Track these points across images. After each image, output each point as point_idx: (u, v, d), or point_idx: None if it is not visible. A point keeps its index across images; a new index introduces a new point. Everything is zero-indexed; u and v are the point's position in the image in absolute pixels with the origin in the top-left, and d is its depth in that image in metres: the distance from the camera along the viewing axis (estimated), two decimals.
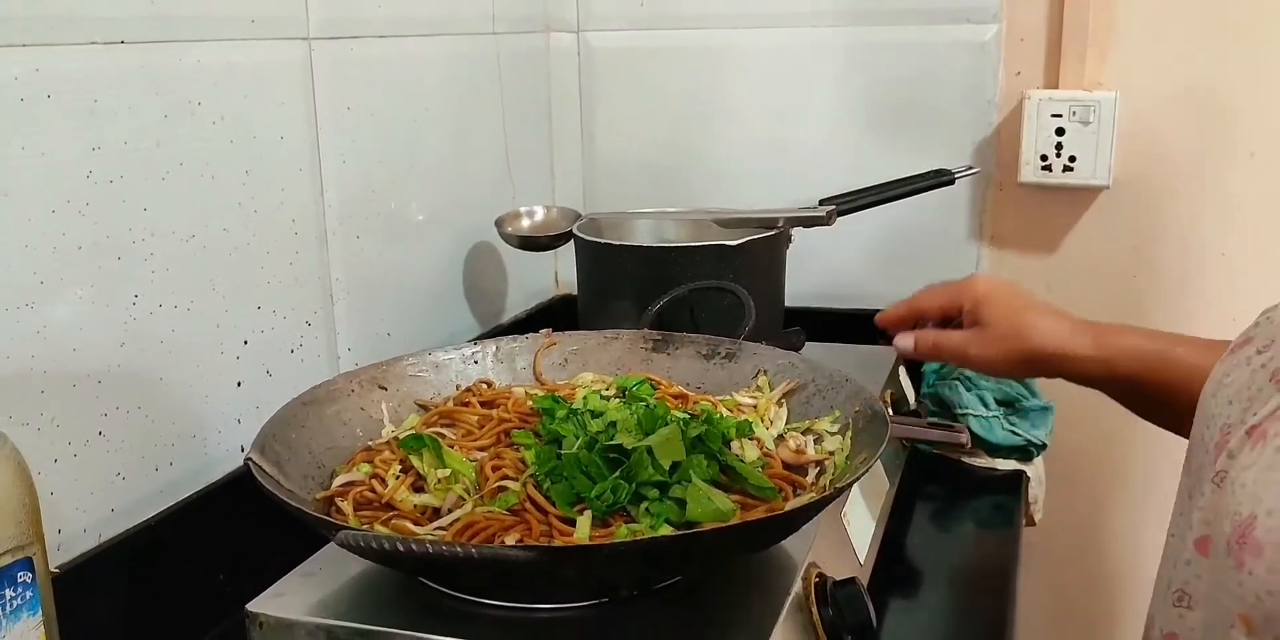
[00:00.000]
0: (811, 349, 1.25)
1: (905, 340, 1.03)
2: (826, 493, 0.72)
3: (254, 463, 0.75)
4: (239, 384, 0.96)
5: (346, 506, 0.77)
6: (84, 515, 0.81)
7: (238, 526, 0.90)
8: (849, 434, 0.85)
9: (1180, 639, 0.54)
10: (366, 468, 0.82)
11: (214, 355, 0.93)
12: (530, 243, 1.28)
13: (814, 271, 1.40)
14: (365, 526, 0.75)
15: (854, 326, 1.39)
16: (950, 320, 1.03)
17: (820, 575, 0.78)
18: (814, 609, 0.75)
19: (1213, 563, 0.50)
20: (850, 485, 0.72)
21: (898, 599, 0.95)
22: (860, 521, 0.93)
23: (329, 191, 1.07)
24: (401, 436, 0.83)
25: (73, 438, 0.80)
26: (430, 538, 0.65)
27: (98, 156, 0.81)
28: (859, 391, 0.87)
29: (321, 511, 0.77)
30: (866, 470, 0.73)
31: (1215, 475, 0.52)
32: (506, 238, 1.28)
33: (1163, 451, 1.42)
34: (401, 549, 0.57)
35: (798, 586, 0.75)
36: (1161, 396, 0.90)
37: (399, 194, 1.20)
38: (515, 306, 1.46)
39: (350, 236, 1.11)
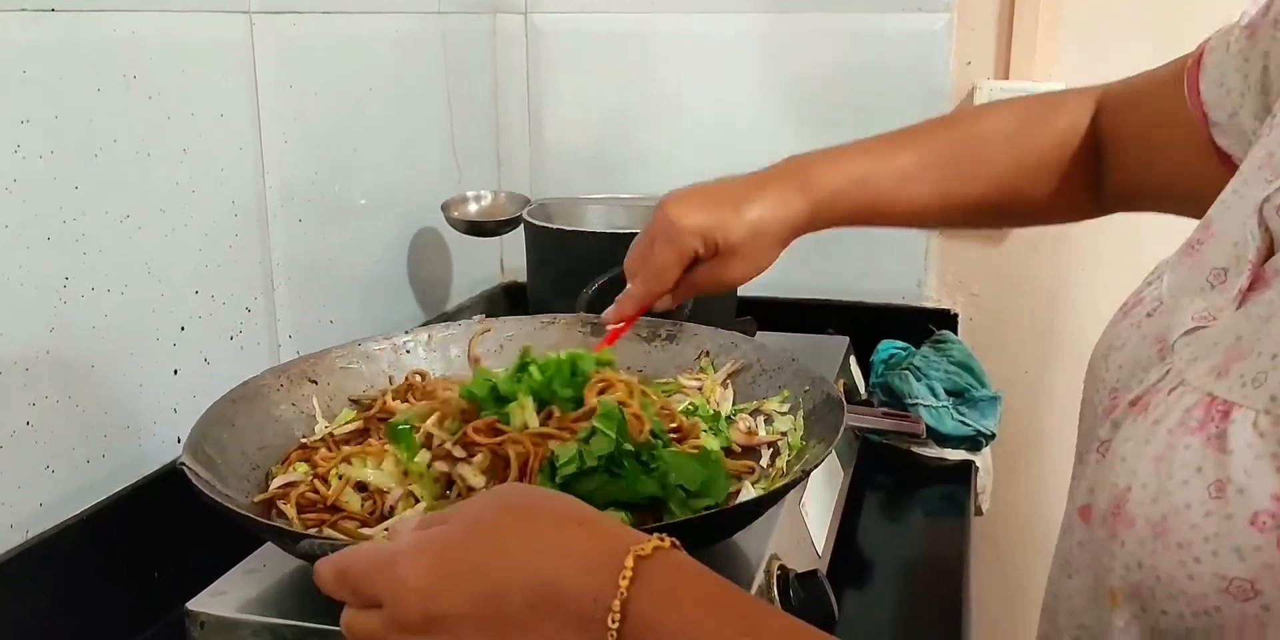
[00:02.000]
0: (763, 338, 1.23)
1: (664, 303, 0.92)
2: (790, 477, 0.70)
3: (188, 468, 0.71)
4: (175, 372, 0.92)
5: (289, 510, 0.74)
6: (10, 510, 0.77)
7: (175, 521, 0.86)
8: (800, 413, 0.84)
9: (1063, 607, 0.54)
10: (304, 467, 0.79)
11: (149, 342, 0.89)
12: (478, 228, 1.25)
13: None
14: (314, 530, 0.71)
15: (804, 316, 1.39)
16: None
17: (782, 567, 0.77)
18: (776, 600, 0.73)
19: (1091, 531, 0.49)
20: (813, 469, 0.70)
21: (854, 589, 0.95)
22: (817, 512, 0.92)
23: (270, 172, 1.03)
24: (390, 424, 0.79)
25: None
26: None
27: (26, 131, 0.76)
28: (805, 371, 0.86)
29: (261, 515, 0.74)
30: (829, 452, 0.72)
31: (1100, 445, 0.51)
32: (453, 222, 1.25)
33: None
34: None
35: (759, 579, 0.74)
36: (879, 220, 0.91)
37: (342, 176, 1.16)
38: (461, 293, 1.43)
39: (292, 219, 1.07)
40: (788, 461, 0.78)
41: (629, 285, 0.90)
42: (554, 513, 0.48)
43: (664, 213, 0.86)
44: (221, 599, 0.72)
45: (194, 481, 0.71)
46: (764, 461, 0.82)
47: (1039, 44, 1.30)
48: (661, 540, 0.46)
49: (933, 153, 0.86)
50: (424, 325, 0.99)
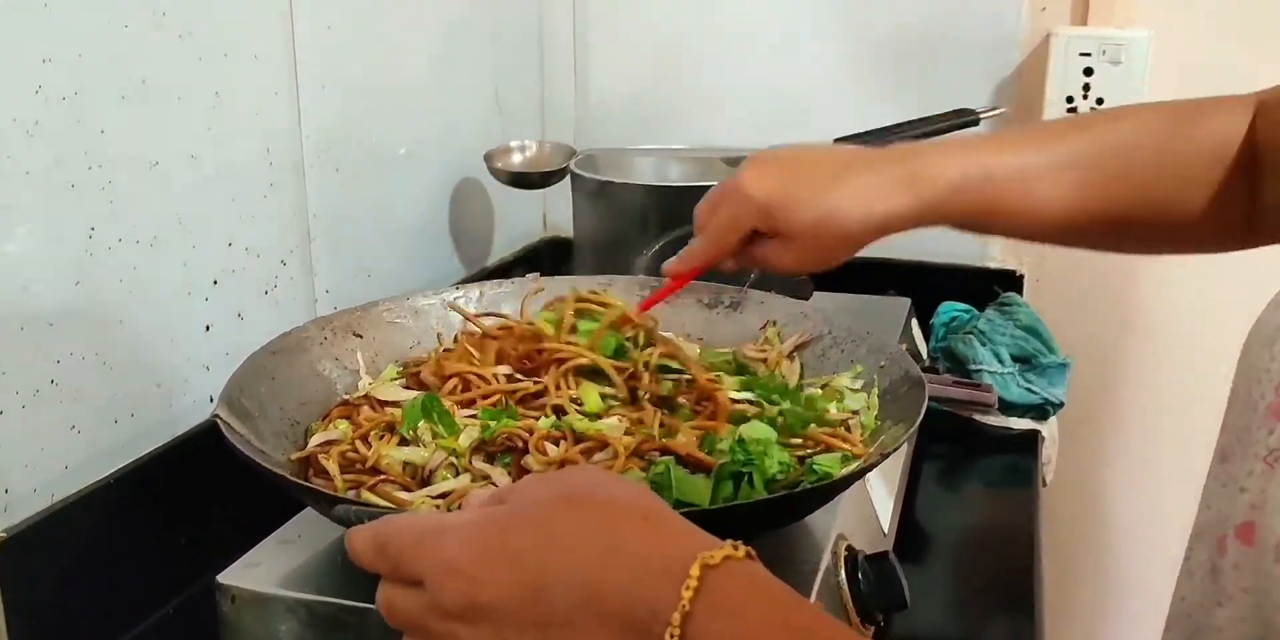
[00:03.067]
0: (820, 299, 1.17)
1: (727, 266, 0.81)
2: (867, 460, 0.65)
3: (222, 421, 0.67)
4: (208, 328, 0.88)
5: (331, 466, 0.69)
6: (34, 473, 0.73)
7: (207, 485, 0.82)
8: (874, 391, 0.78)
9: (1210, 637, 0.47)
10: (345, 425, 0.75)
11: (180, 296, 0.85)
12: (522, 180, 1.19)
13: None
14: (352, 493, 0.67)
15: (864, 276, 1.32)
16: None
17: (850, 548, 0.72)
18: (844, 584, 0.68)
19: (1257, 557, 0.43)
20: (891, 453, 0.65)
21: (917, 565, 0.90)
22: (882, 488, 0.86)
23: (307, 119, 0.97)
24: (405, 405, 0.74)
25: (20, 387, 0.71)
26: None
27: (48, 70, 0.71)
28: (881, 345, 0.80)
29: (298, 474, 0.70)
30: (910, 435, 0.66)
31: (1270, 454, 0.44)
32: (496, 173, 1.19)
33: (1168, 412, 1.38)
34: None
35: (826, 560, 0.69)
36: (998, 225, 0.76)
37: (381, 124, 1.10)
38: (502, 249, 1.37)
39: (329, 169, 1.01)
40: (861, 441, 0.73)
41: (694, 238, 0.80)
42: (616, 505, 0.43)
43: (739, 172, 0.74)
44: (254, 572, 0.67)
45: (228, 436, 0.66)
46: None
47: None
48: (735, 548, 0.41)
49: (1070, 152, 0.72)
50: (473, 281, 0.94)
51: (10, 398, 0.71)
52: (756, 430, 0.67)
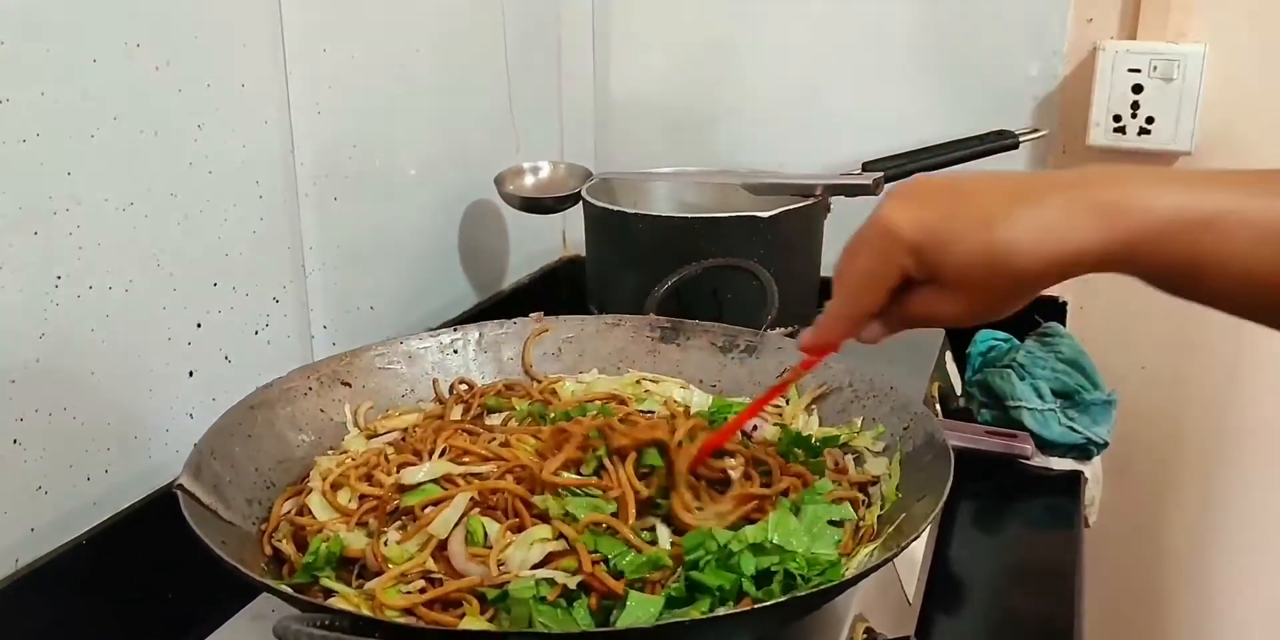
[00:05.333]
0: None
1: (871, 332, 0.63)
2: (880, 557, 0.58)
3: (185, 493, 0.62)
4: (191, 373, 0.83)
5: (287, 547, 0.64)
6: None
7: (186, 544, 0.77)
8: (896, 457, 0.72)
9: None
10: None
11: (159, 342, 0.80)
12: (534, 205, 1.14)
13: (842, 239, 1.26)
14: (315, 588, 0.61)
15: None
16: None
17: (869, 631, 0.66)
18: None
19: None
20: (911, 542, 0.59)
21: (954, 616, 0.84)
22: (908, 551, 0.80)
23: (301, 146, 0.92)
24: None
25: None
26: (393, 620, 0.52)
27: (5, 111, 0.66)
28: (905, 404, 0.73)
29: (264, 547, 0.65)
30: (929, 524, 0.60)
31: None
32: (508, 198, 1.14)
33: (1232, 445, 1.30)
34: None
35: None
36: (1212, 281, 0.54)
37: (384, 147, 1.05)
38: (517, 271, 1.32)
39: (326, 198, 0.96)
40: (879, 515, 0.66)
41: (831, 299, 0.63)
42: None
43: (879, 207, 0.59)
44: None
45: (187, 514, 0.61)
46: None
47: None
48: None
49: None
50: (473, 322, 0.89)
51: None
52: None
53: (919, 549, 0.84)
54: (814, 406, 0.80)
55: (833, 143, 1.24)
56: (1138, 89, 1.14)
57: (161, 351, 0.80)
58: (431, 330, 0.87)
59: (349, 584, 0.60)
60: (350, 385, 0.81)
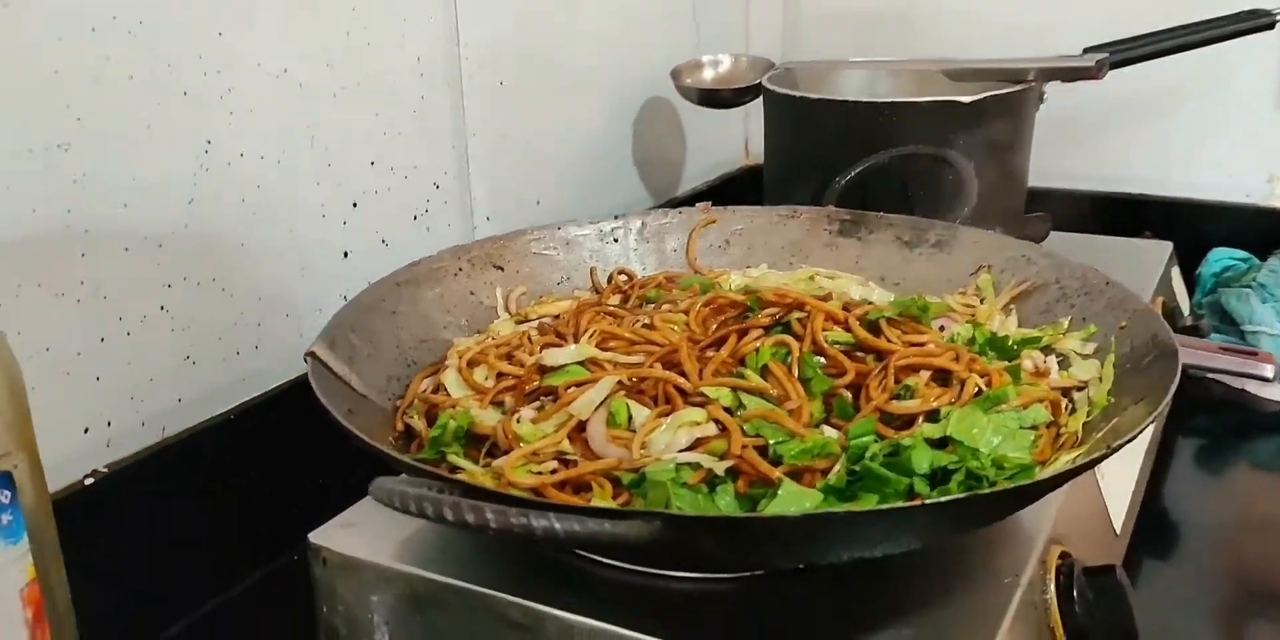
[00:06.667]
0: (1059, 240, 1.00)
1: None
2: (1084, 459, 0.49)
3: (317, 360, 0.59)
4: (346, 254, 0.80)
5: (418, 423, 0.59)
6: (141, 406, 0.68)
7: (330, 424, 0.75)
8: (1109, 359, 0.61)
9: None
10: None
11: (312, 219, 0.77)
12: (712, 98, 1.06)
13: (1070, 142, 1.13)
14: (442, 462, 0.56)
15: (1114, 214, 1.13)
16: None
17: (1065, 556, 0.57)
18: (1054, 606, 0.54)
19: None
20: (1124, 444, 0.49)
21: (1166, 572, 0.73)
22: (1118, 477, 0.70)
23: (466, 26, 0.88)
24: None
25: (123, 312, 0.65)
26: (489, 505, 0.46)
27: None
28: (1125, 301, 0.63)
29: (397, 423, 0.61)
30: (1152, 421, 0.50)
31: None
32: (684, 91, 1.06)
33: None
34: (449, 516, 0.39)
35: (1031, 571, 0.54)
36: None
37: (555, 35, 0.99)
38: (694, 178, 1.25)
39: (491, 83, 0.92)
40: (1085, 422, 0.57)
41: None
42: None
43: None
44: (348, 533, 0.59)
45: (314, 381, 0.58)
46: None
47: None
48: None
49: None
50: (642, 211, 0.83)
51: (113, 324, 0.65)
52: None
53: (1130, 478, 0.73)
54: (1012, 306, 0.70)
55: (1049, 30, 1.10)
56: None
57: (315, 229, 0.78)
58: (592, 218, 0.81)
59: (477, 463, 0.55)
60: (503, 269, 0.76)
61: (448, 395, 0.60)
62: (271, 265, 0.75)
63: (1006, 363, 0.61)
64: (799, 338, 0.60)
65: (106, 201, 0.63)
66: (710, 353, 0.60)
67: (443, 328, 0.71)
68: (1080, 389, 0.61)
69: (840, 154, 0.87)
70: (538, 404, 0.57)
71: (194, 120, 0.68)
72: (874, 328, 0.62)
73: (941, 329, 0.69)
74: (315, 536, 0.59)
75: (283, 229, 0.75)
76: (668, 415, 0.54)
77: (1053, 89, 0.93)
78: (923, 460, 0.49)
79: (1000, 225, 0.92)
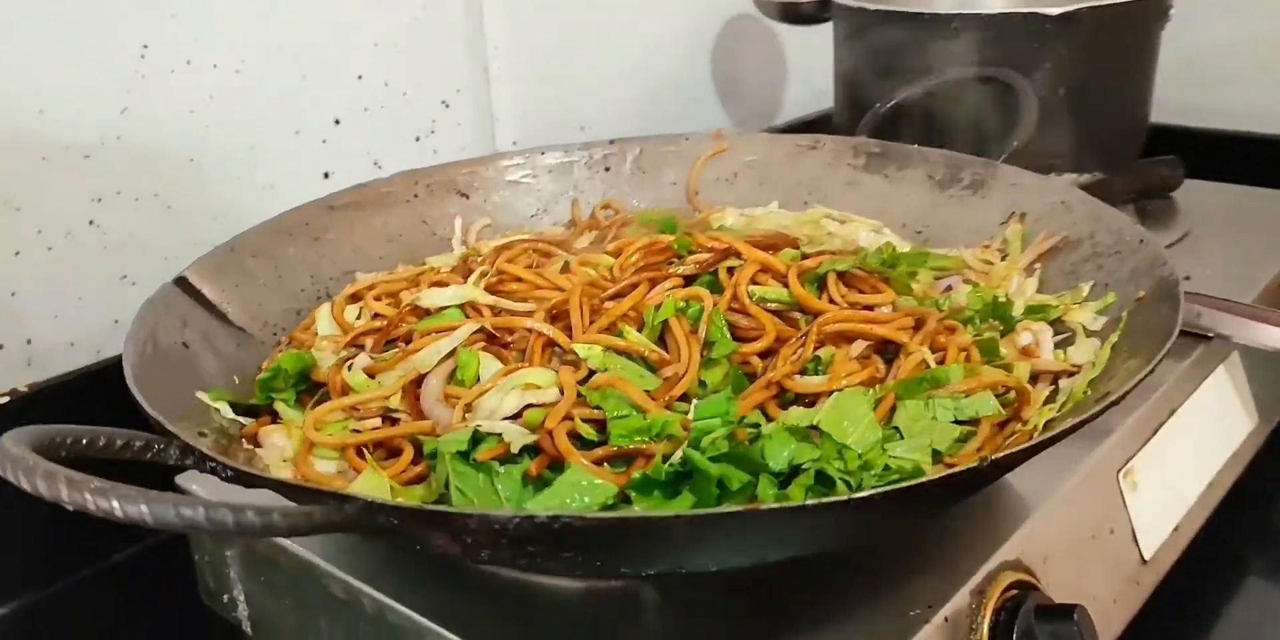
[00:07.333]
0: (1194, 189, 0.83)
1: None
2: (1017, 447, 0.37)
3: (185, 285, 0.53)
4: (326, 175, 0.75)
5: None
6: (67, 325, 0.65)
7: None
8: (1111, 339, 0.48)
9: None
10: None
11: (282, 135, 0.72)
12: (792, 12, 0.93)
13: (1203, 68, 0.93)
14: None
15: (1268, 160, 0.93)
16: None
17: (1019, 587, 0.45)
18: None
19: None
20: (1073, 430, 0.37)
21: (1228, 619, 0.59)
22: (1164, 484, 0.56)
23: None
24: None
25: (43, 226, 0.62)
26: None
27: None
28: (1154, 265, 0.49)
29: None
30: (1109, 406, 0.38)
31: None
32: (763, 7, 0.94)
33: None
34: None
35: (956, 603, 0.43)
36: None
37: None
38: (788, 110, 1.12)
39: None
40: (1050, 419, 0.44)
41: None
42: None
43: None
44: (207, 479, 0.54)
45: (159, 306, 0.51)
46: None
47: None
48: None
49: None
50: (643, 137, 0.73)
51: (30, 237, 0.62)
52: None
53: (1189, 487, 0.59)
54: (1037, 266, 0.57)
55: None
56: None
57: (285, 146, 0.72)
58: (584, 142, 0.71)
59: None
60: (468, 197, 0.68)
61: (315, 333, 0.54)
62: (227, 182, 0.70)
63: (978, 336, 0.49)
64: (721, 291, 0.50)
65: (17, 106, 0.60)
66: (610, 304, 0.50)
67: (378, 259, 0.64)
68: (1072, 374, 0.48)
69: (892, 79, 0.74)
70: (395, 351, 0.50)
71: (128, 22, 0.63)
72: (823, 284, 0.51)
73: (949, 289, 0.57)
74: (181, 479, 0.55)
75: (242, 145, 0.70)
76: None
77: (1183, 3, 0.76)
78: (780, 453, 0.39)
79: (1106, 169, 0.77)
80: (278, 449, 0.45)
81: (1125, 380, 0.41)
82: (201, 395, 0.47)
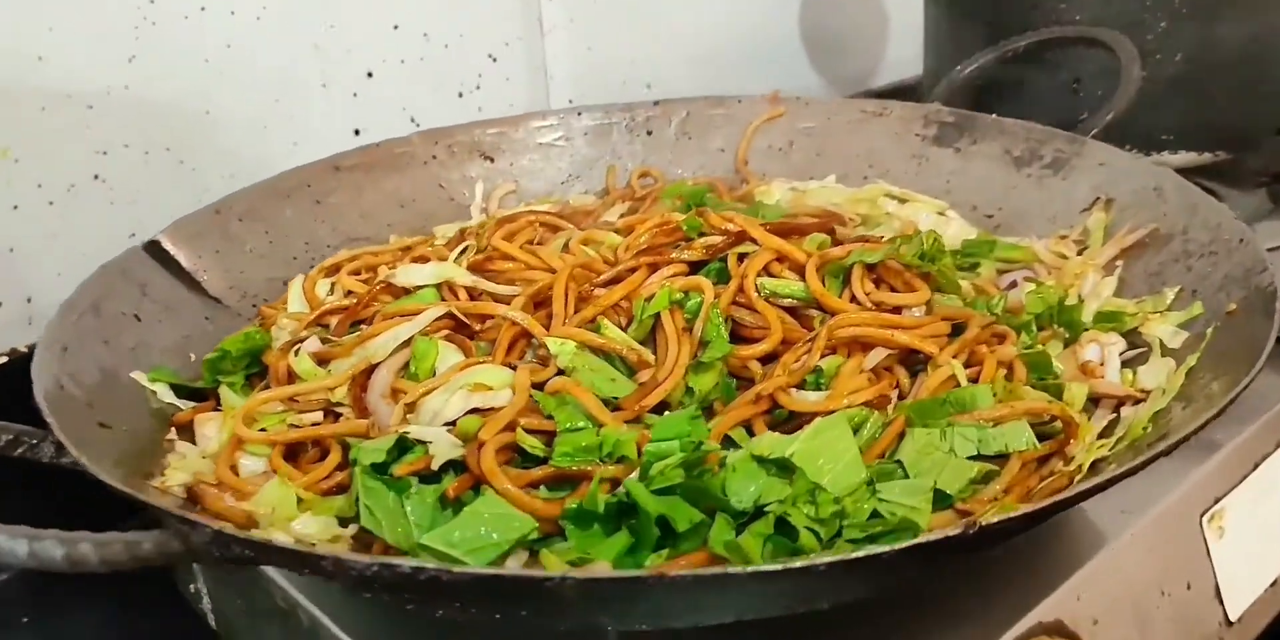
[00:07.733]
0: None
1: None
2: (1063, 494, 0.30)
3: (155, 250, 0.49)
4: (357, 132, 0.70)
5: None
6: (72, 283, 0.61)
7: None
8: (1190, 361, 0.39)
9: None
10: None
11: (307, 87, 0.67)
12: None
13: None
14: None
15: None
16: None
17: None
18: None
19: None
20: (1139, 468, 0.29)
21: None
22: (1272, 530, 0.47)
23: None
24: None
25: (43, 180, 0.59)
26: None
27: None
28: (1251, 272, 0.40)
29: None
30: (1160, 454, 0.30)
31: None
32: None
33: None
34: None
35: None
36: None
37: None
38: (884, 74, 1.03)
39: None
40: (1097, 458, 0.36)
41: None
42: None
43: None
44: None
45: (124, 268, 0.48)
46: (1095, 422, 0.40)
47: None
48: None
49: None
50: (689, 99, 0.66)
51: (29, 190, 0.59)
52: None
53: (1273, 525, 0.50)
54: (1118, 263, 0.48)
55: None
56: None
57: (313, 100, 0.68)
58: (626, 103, 0.65)
59: None
60: (493, 160, 0.63)
61: (284, 308, 0.49)
62: (247, 138, 0.66)
63: (1029, 348, 0.41)
64: (730, 281, 0.43)
65: (13, 52, 0.56)
66: (601, 292, 0.44)
67: (386, 226, 0.59)
68: (1139, 401, 0.40)
69: (980, 39, 0.65)
70: (353, 335, 0.45)
71: None
72: (848, 278, 0.43)
73: (1012, 285, 0.49)
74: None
75: (264, 98, 0.66)
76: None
77: None
78: (744, 489, 0.32)
79: (1232, 148, 0.67)
80: (208, 441, 0.41)
81: (1195, 415, 0.33)
82: (137, 375, 0.43)
